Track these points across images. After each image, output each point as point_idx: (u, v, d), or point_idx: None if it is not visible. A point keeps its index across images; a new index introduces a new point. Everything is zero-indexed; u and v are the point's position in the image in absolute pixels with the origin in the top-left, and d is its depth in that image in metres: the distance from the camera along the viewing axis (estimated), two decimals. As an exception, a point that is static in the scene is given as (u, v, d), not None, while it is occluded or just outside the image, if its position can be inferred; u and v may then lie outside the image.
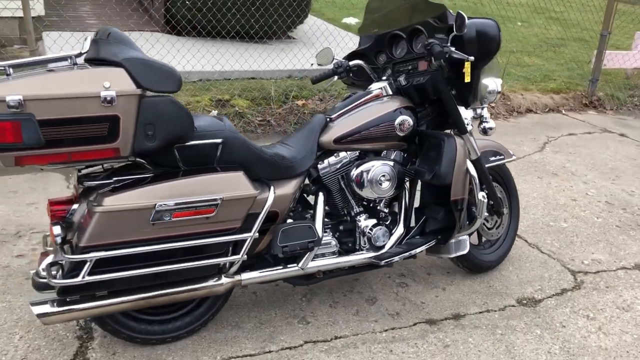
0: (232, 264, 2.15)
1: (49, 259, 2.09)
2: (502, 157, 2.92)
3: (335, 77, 2.83)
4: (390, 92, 2.61)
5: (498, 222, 2.96)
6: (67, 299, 1.99)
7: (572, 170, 4.51)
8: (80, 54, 1.96)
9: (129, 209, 1.90)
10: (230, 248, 2.13)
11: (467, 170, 2.51)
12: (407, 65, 2.67)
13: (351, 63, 2.77)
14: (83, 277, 1.89)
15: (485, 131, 2.74)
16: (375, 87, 2.62)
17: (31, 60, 1.97)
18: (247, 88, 5.17)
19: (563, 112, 6.13)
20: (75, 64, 1.94)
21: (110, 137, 1.88)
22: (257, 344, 2.35)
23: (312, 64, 5.47)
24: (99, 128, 1.86)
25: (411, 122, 2.51)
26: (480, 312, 2.66)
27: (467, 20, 2.26)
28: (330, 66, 2.83)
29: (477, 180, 2.57)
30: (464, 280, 2.91)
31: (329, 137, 2.44)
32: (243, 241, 2.13)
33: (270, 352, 2.32)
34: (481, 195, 2.55)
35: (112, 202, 1.89)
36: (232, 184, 2.06)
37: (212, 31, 5.96)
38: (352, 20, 8.54)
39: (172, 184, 1.97)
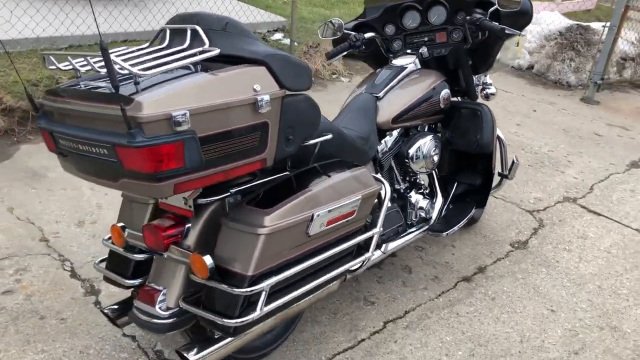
0: (363, 262, 2.06)
1: (163, 295, 1.77)
2: None
3: (345, 52, 2.75)
4: (420, 66, 2.64)
5: (484, 178, 3.25)
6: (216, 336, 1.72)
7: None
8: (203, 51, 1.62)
9: (291, 225, 1.69)
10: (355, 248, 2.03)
11: (498, 136, 2.71)
12: (421, 36, 2.71)
13: (366, 36, 2.70)
14: (261, 309, 1.65)
15: (487, 97, 2.94)
16: (407, 62, 2.62)
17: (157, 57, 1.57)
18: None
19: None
20: (197, 64, 1.62)
21: (261, 147, 1.64)
22: (347, 335, 2.31)
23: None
24: (253, 138, 1.61)
25: (449, 94, 2.60)
26: (494, 262, 2.95)
27: None
28: (335, 37, 2.73)
29: (505, 143, 2.79)
30: (462, 235, 3.16)
31: (387, 116, 2.39)
32: (370, 238, 2.05)
33: (364, 340, 2.30)
34: (515, 157, 2.78)
35: (274, 220, 1.65)
36: (363, 181, 1.95)
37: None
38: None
39: (321, 190, 1.79)
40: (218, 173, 1.56)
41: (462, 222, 2.64)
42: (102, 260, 2.05)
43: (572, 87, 6.52)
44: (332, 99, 4.91)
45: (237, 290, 1.61)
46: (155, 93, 1.43)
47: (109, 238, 2.02)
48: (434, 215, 2.61)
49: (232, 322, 1.62)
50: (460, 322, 2.48)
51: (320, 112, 1.85)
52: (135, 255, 1.89)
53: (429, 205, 2.56)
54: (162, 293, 1.77)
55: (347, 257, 1.99)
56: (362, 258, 2.03)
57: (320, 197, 1.78)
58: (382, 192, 2.13)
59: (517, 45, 2.56)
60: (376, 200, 2.12)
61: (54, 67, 1.65)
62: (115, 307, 1.96)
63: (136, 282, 1.90)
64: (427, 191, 2.68)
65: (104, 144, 1.47)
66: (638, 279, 2.93)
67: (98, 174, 1.59)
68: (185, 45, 1.69)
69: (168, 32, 1.76)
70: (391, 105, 2.43)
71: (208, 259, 1.65)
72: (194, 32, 1.68)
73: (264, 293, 1.65)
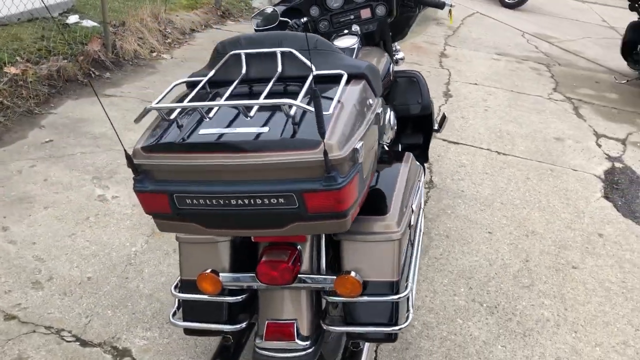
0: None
1: (296, 326, 1.71)
2: None
3: None
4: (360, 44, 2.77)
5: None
6: None
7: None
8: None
9: (407, 222, 1.78)
10: None
11: None
12: (347, 15, 2.82)
13: (303, 20, 2.71)
14: (413, 307, 1.73)
15: (397, 62, 3.20)
16: (352, 42, 2.70)
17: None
18: None
19: (213, 27, 6.56)
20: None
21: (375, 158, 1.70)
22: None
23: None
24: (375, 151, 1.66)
25: (393, 66, 2.79)
26: (425, 204, 3.36)
27: None
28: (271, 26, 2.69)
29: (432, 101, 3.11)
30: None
31: None
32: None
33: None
34: (444, 113, 3.11)
35: (400, 223, 1.72)
36: (416, 165, 2.09)
37: None
38: None
39: (406, 183, 1.89)
40: (365, 194, 1.58)
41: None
42: (174, 313, 1.85)
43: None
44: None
45: (394, 297, 1.68)
46: (329, 130, 1.39)
47: (177, 287, 1.83)
48: (397, 177, 2.86)
49: (397, 328, 1.69)
50: (442, 264, 2.84)
51: None
52: (234, 298, 1.77)
53: (393, 171, 2.80)
54: (295, 324, 1.73)
55: None
56: (418, 235, 2.21)
57: (407, 190, 1.90)
58: None
59: (450, 14, 2.87)
60: None
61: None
62: (224, 358, 1.83)
63: (243, 324, 1.79)
64: (386, 159, 2.91)
65: (281, 193, 1.38)
66: (518, 189, 3.64)
67: (252, 226, 1.48)
68: (279, 70, 1.61)
69: (244, 56, 1.64)
70: None
71: (357, 276, 1.66)
72: (284, 55, 1.61)
73: (412, 292, 1.74)
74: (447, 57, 6.57)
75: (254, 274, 1.70)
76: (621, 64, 6.84)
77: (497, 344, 2.35)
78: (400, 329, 1.70)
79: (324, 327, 1.74)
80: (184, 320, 1.82)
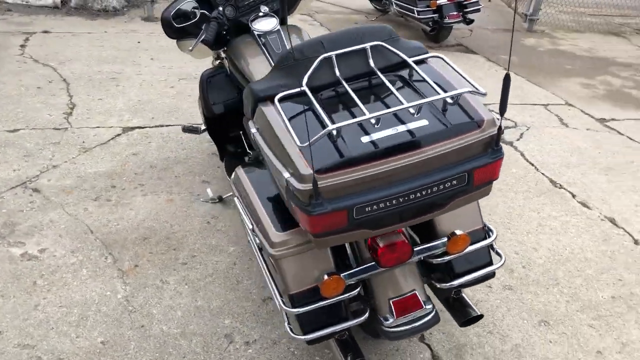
0: None
1: (417, 295, 1.85)
2: None
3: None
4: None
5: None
6: None
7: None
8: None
9: None
10: None
11: None
12: None
13: (220, 10, 2.61)
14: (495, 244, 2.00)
15: None
16: (273, 24, 2.67)
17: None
18: None
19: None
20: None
21: None
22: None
23: None
24: None
25: None
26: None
27: None
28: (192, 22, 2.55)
29: None
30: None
31: None
32: None
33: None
34: None
35: None
36: None
37: None
38: None
39: None
40: None
41: None
42: (290, 329, 1.80)
43: (119, 11, 6.64)
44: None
45: (490, 240, 1.92)
46: (473, 105, 1.55)
47: (286, 304, 1.78)
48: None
49: (500, 264, 1.95)
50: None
51: None
52: (354, 292, 1.80)
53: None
54: (416, 293, 1.85)
55: None
56: None
57: None
58: None
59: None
60: None
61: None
62: (350, 351, 1.85)
63: (366, 314, 1.84)
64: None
65: (456, 175, 1.51)
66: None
67: (418, 214, 1.57)
68: (372, 65, 1.67)
69: (334, 58, 1.65)
70: None
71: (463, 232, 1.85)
72: (373, 48, 1.68)
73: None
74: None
75: (372, 263, 1.78)
76: (362, 4, 7.79)
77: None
78: (503, 264, 1.97)
79: (439, 286, 1.92)
80: (305, 333, 1.79)
